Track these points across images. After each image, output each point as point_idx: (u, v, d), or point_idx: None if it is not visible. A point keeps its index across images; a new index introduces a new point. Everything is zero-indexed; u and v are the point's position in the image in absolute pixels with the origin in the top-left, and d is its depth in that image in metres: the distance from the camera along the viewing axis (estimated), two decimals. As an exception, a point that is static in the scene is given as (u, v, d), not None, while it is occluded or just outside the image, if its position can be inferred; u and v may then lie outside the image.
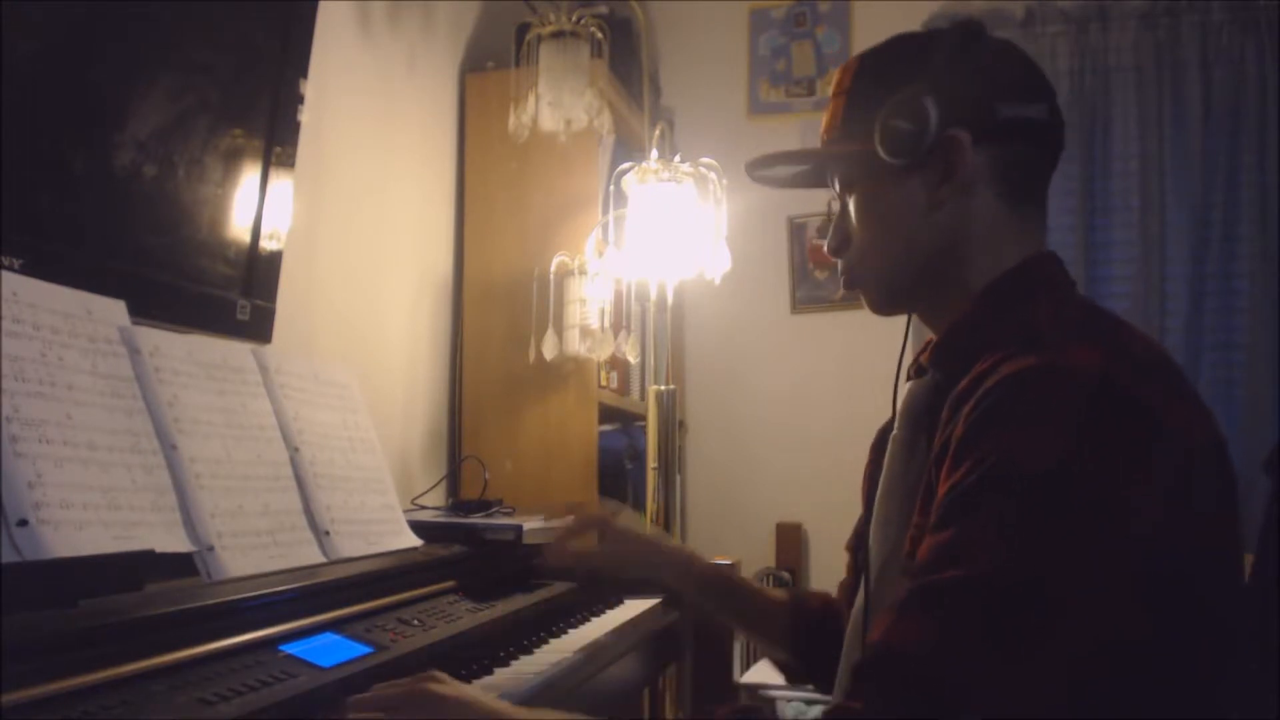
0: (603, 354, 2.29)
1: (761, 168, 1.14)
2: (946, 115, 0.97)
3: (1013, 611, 0.78)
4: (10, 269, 1.09)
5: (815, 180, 1.15)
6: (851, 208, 1.07)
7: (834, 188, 1.11)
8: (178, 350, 1.20)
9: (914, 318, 1.13)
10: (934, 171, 0.99)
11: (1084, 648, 0.79)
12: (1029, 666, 0.78)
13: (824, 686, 1.20)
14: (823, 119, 1.10)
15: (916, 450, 1.00)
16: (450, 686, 0.92)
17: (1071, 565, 0.79)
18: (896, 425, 1.05)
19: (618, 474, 2.57)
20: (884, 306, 1.10)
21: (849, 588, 1.21)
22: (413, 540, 1.50)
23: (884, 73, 1.03)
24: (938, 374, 1.01)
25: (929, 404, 1.00)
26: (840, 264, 1.10)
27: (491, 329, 2.45)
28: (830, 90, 1.09)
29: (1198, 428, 0.86)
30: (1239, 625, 0.88)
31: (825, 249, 1.11)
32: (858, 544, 1.17)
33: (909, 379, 1.08)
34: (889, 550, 1.00)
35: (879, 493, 1.06)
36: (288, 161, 1.59)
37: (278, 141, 1.56)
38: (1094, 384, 0.82)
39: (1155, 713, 0.82)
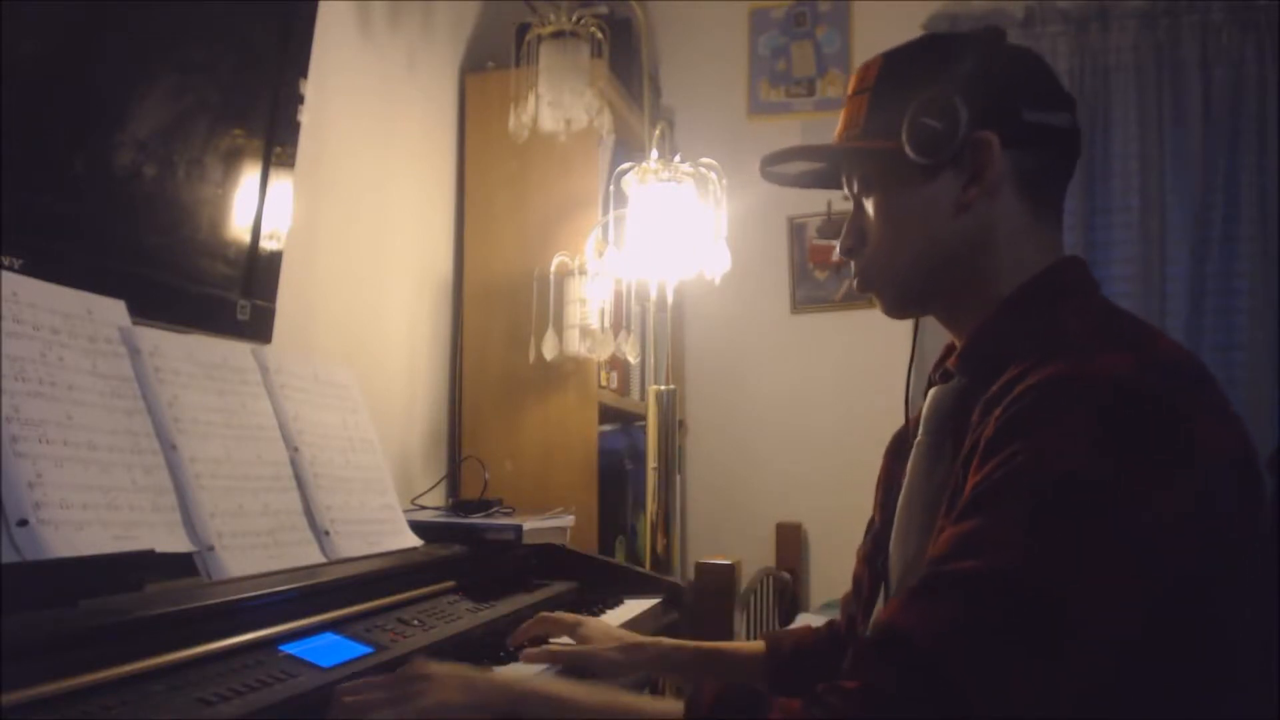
0: (603, 354, 2.29)
1: (777, 163, 1.10)
2: (975, 116, 0.96)
3: (1027, 609, 0.78)
4: (10, 269, 1.09)
5: (828, 180, 1.13)
6: (871, 208, 1.05)
7: (848, 189, 1.09)
8: (178, 350, 1.20)
9: (922, 321, 1.12)
10: (962, 173, 0.98)
11: (1094, 652, 0.78)
12: (1037, 666, 0.77)
13: None
14: (841, 118, 1.06)
15: (942, 455, 0.99)
16: (439, 665, 0.96)
17: (1089, 568, 0.78)
18: (921, 430, 1.04)
19: (618, 474, 2.57)
20: (900, 309, 1.08)
21: (861, 601, 1.15)
22: (413, 540, 1.50)
23: (911, 72, 1.01)
24: (964, 379, 1.00)
25: (955, 409, 0.99)
26: (853, 265, 1.08)
27: (491, 329, 2.45)
28: (849, 89, 1.06)
29: (1227, 437, 0.86)
30: (1253, 634, 0.87)
31: (837, 250, 1.08)
32: (874, 553, 1.13)
33: (931, 384, 1.06)
34: (911, 557, 0.99)
35: (901, 500, 1.04)
36: (288, 161, 1.59)
37: (278, 141, 1.56)
38: (1123, 390, 0.82)
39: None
